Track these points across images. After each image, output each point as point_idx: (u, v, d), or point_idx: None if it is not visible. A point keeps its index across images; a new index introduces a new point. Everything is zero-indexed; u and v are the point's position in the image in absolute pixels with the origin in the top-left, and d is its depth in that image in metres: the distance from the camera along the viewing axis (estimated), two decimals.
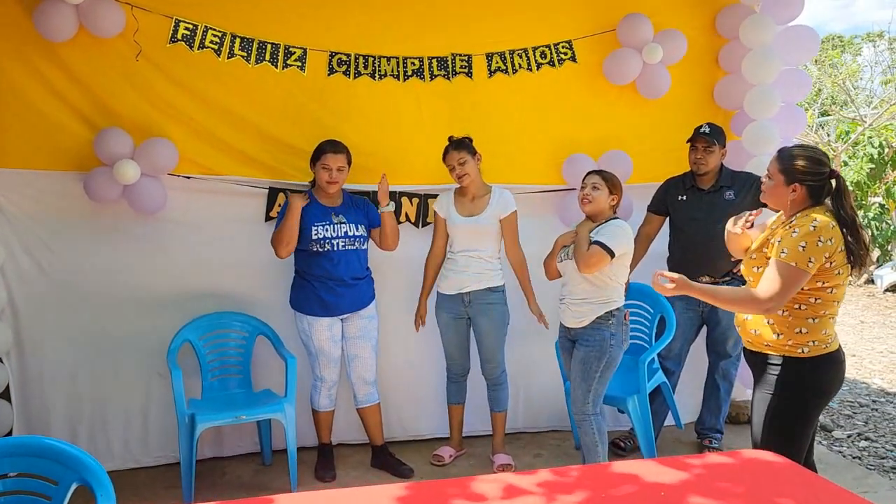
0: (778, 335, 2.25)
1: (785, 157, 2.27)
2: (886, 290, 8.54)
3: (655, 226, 3.54)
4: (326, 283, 3.18)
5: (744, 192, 3.31)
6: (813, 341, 2.22)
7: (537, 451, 3.66)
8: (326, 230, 3.16)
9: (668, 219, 3.52)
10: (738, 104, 3.70)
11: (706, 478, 1.87)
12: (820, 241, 2.13)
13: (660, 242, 3.56)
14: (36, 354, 3.20)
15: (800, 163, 2.22)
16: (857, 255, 2.17)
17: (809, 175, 2.21)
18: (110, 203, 3.17)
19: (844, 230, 2.16)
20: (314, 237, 3.14)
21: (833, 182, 2.22)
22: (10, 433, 3.16)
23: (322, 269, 3.16)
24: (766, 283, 2.17)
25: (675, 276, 2.27)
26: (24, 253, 3.16)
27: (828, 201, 2.24)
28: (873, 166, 9.18)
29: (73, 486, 1.78)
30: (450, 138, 3.27)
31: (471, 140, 3.27)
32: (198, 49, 3.23)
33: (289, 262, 3.29)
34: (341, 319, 3.26)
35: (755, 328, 2.31)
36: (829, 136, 10.85)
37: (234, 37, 3.27)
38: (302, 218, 3.11)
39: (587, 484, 1.82)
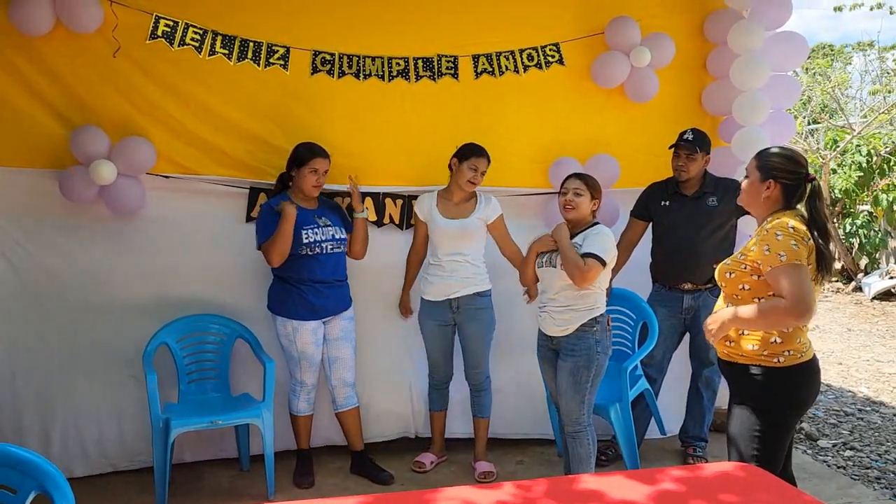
0: (752, 345, 2.22)
1: (762, 155, 2.30)
2: (874, 299, 8.55)
3: (638, 231, 3.50)
4: (313, 286, 3.13)
5: (727, 198, 3.28)
6: (788, 350, 2.19)
7: (520, 457, 3.61)
8: (316, 233, 3.11)
9: (651, 224, 3.49)
10: (727, 110, 3.67)
11: (679, 492, 1.83)
12: (804, 239, 2.13)
13: (642, 249, 3.52)
14: (8, 356, 3.12)
15: (776, 159, 2.25)
16: (826, 262, 2.16)
17: (784, 172, 2.22)
18: (87, 203, 3.10)
19: (816, 234, 2.15)
20: (305, 241, 3.09)
21: (808, 186, 2.22)
22: None
23: (310, 272, 3.11)
24: (789, 290, 2.08)
25: (716, 320, 2.23)
26: None
27: (800, 207, 2.23)
28: (861, 174, 9.21)
29: (33, 495, 1.72)
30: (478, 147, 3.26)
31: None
32: (178, 46, 3.17)
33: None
34: (324, 322, 3.21)
35: (730, 339, 2.28)
36: (818, 143, 10.87)
37: (215, 34, 3.21)
38: None
39: (552, 500, 1.77)
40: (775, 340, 2.19)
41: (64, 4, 2.91)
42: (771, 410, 2.20)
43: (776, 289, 2.13)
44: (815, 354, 2.26)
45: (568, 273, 2.74)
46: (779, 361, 2.19)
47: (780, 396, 2.20)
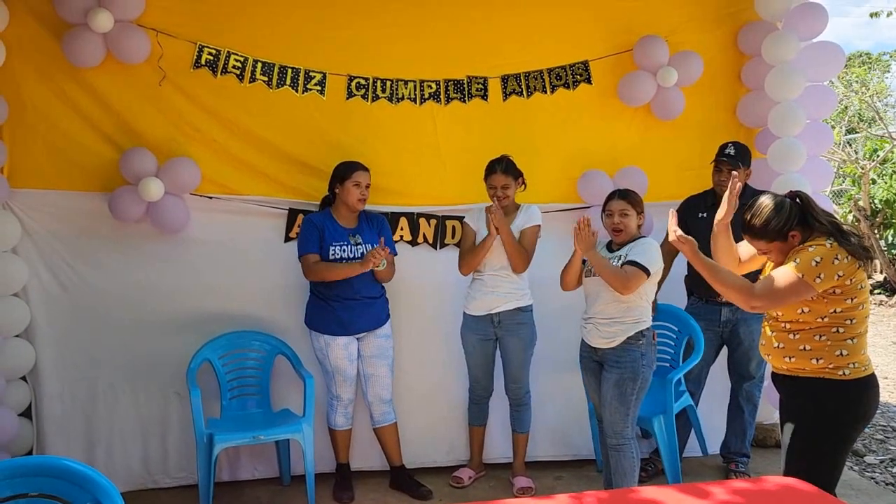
0: (817, 360, 2.20)
1: (766, 230, 2.21)
2: None
3: None
4: (344, 302, 3.19)
5: None
6: (853, 363, 2.18)
7: (559, 473, 3.59)
8: (344, 250, 3.17)
9: None
10: (762, 121, 3.65)
11: None
12: (836, 258, 2.12)
13: (677, 262, 3.49)
14: (56, 372, 3.24)
15: (775, 222, 2.20)
16: (858, 251, 2.14)
17: (786, 219, 2.20)
18: (133, 222, 3.22)
19: (834, 234, 2.15)
20: (331, 257, 3.15)
21: (798, 202, 2.23)
22: (30, 452, 3.20)
23: (339, 287, 3.17)
24: (766, 282, 2.17)
25: (689, 238, 2.31)
26: (48, 272, 3.22)
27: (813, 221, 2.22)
28: None
29: None
30: (501, 158, 3.24)
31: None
32: (221, 74, 3.29)
33: (307, 281, 3.30)
34: (357, 338, 3.26)
35: (789, 355, 2.25)
36: (856, 153, 10.63)
37: (255, 62, 3.33)
38: (321, 238, 3.15)
39: None
40: (841, 353, 2.17)
41: (114, 38, 3.05)
42: (833, 426, 2.18)
43: (766, 276, 2.18)
44: (874, 370, 2.24)
45: (610, 284, 2.75)
46: (844, 374, 2.17)
47: (844, 411, 2.18)
